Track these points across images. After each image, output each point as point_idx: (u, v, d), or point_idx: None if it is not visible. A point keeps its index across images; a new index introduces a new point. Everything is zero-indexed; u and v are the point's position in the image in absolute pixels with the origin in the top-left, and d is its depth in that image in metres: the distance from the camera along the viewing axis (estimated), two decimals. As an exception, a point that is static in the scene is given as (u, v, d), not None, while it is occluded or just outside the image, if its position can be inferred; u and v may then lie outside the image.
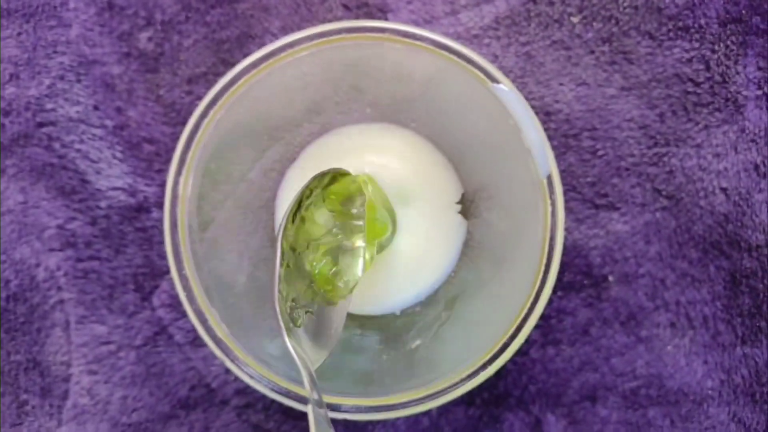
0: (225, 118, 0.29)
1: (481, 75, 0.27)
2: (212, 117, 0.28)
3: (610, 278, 0.36)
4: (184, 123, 0.28)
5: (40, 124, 0.37)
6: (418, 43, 0.28)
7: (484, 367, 0.27)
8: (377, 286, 0.35)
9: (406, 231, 0.35)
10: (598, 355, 0.36)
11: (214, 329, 0.28)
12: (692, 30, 0.37)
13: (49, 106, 0.37)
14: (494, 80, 0.27)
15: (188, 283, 0.28)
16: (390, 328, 0.34)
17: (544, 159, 0.27)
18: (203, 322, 0.28)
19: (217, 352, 0.28)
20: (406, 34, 0.28)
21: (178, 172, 0.28)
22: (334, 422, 0.36)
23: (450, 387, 0.27)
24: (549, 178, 0.27)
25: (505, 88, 0.27)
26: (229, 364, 0.28)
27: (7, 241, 0.37)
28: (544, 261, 0.27)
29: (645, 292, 0.36)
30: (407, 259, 0.35)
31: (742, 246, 0.36)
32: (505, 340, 0.27)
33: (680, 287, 0.36)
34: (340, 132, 0.35)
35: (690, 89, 0.37)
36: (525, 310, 0.27)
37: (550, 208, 0.27)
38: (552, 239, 0.27)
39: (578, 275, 0.36)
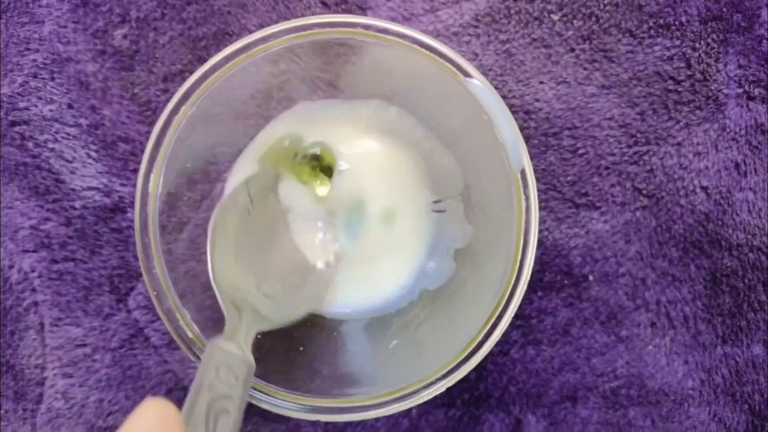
0: (198, 115, 0.29)
1: (454, 70, 0.27)
2: (184, 113, 0.28)
3: (591, 278, 0.36)
4: (160, 121, 0.28)
5: (13, 123, 0.36)
6: (391, 38, 0.27)
7: (458, 366, 0.27)
8: (356, 286, 0.34)
9: (385, 231, 0.34)
10: (579, 355, 0.36)
11: (185, 330, 0.28)
12: (673, 28, 0.37)
13: (22, 104, 0.36)
14: (467, 75, 0.27)
15: (159, 283, 0.28)
16: (368, 329, 0.34)
17: (518, 153, 0.27)
18: (174, 322, 0.28)
19: (188, 353, 0.28)
20: (378, 30, 0.27)
21: (149, 170, 0.28)
22: (313, 424, 0.36)
23: (425, 386, 0.27)
24: (523, 172, 0.27)
25: (478, 83, 0.27)
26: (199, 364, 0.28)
27: (-21, 241, 0.36)
28: (519, 257, 0.27)
29: (625, 292, 0.36)
30: (388, 260, 0.34)
31: (723, 245, 0.36)
32: (480, 339, 0.27)
33: (661, 287, 0.36)
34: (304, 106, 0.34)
35: (671, 87, 0.36)
36: (500, 308, 0.27)
37: (524, 203, 0.27)
38: (526, 234, 0.27)
39: (558, 275, 0.36)
